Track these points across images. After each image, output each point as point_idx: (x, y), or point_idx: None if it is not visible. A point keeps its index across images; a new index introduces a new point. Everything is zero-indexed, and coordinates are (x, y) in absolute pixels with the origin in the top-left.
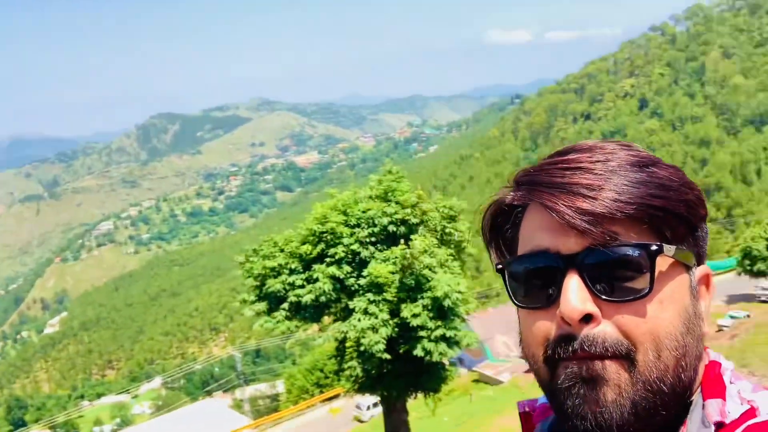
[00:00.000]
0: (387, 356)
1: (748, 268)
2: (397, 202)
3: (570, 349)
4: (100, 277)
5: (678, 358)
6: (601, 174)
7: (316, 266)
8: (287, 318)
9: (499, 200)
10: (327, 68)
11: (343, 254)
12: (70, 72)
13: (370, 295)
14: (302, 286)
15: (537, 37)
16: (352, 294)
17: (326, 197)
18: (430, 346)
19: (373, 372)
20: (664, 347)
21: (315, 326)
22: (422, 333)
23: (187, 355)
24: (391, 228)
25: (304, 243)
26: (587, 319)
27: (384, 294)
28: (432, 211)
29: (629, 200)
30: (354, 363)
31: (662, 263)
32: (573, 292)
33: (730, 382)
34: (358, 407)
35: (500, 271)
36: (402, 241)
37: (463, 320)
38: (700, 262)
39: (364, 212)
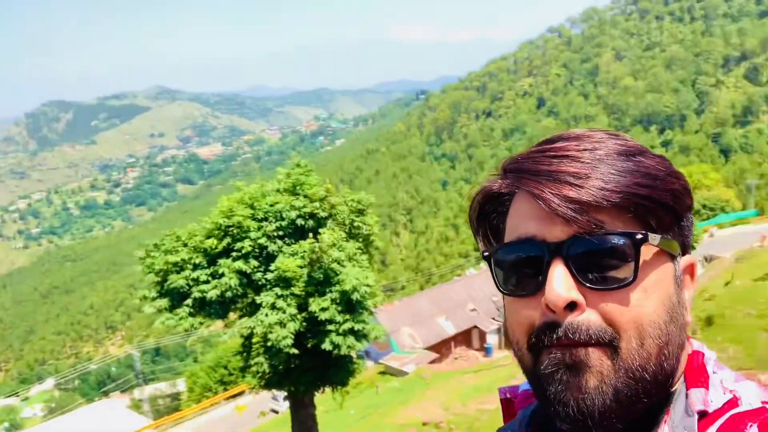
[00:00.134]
0: (295, 351)
1: None
2: (305, 196)
3: (554, 336)
4: None
5: (661, 347)
6: (588, 162)
7: (221, 261)
8: (191, 314)
9: (487, 188)
10: (232, 59)
11: (250, 248)
12: None
13: (277, 290)
14: (207, 282)
15: (441, 35)
16: (259, 289)
17: (232, 190)
18: (338, 339)
19: (281, 367)
20: (648, 335)
21: (220, 322)
22: (330, 327)
23: (82, 354)
24: (300, 222)
25: (209, 237)
26: (572, 306)
27: (292, 288)
28: (340, 204)
29: (616, 189)
30: (261, 359)
31: (647, 252)
32: (558, 280)
33: (713, 372)
34: (274, 398)
35: (487, 259)
36: (310, 234)
37: (371, 313)
38: (684, 252)
39: (271, 206)
